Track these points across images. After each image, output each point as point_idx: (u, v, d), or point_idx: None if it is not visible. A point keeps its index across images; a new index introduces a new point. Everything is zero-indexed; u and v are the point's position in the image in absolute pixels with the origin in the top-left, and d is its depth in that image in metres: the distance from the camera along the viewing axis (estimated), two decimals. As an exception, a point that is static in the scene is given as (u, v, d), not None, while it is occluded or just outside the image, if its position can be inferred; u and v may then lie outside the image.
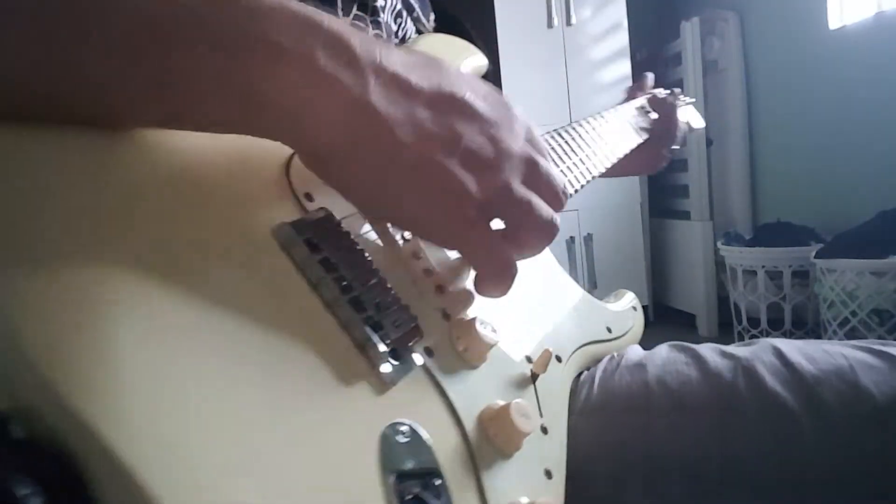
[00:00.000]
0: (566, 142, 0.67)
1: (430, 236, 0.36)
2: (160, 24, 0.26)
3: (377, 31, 0.55)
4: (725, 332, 2.49)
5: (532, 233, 0.37)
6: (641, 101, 0.92)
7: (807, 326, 2.18)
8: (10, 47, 0.25)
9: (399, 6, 0.61)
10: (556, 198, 0.38)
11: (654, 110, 0.91)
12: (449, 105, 0.34)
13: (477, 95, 0.35)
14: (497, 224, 0.37)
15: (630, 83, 2.44)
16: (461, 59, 0.60)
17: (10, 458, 0.21)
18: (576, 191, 0.63)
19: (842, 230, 1.97)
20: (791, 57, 2.35)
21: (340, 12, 0.51)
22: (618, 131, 0.80)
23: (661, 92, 0.95)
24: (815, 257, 1.94)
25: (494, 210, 0.35)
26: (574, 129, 0.70)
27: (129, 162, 0.29)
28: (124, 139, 0.30)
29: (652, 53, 2.92)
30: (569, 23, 2.52)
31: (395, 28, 0.60)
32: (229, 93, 0.28)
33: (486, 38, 0.70)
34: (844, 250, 1.86)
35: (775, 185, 2.55)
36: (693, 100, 1.05)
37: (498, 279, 0.37)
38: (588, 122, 0.74)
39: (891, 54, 1.91)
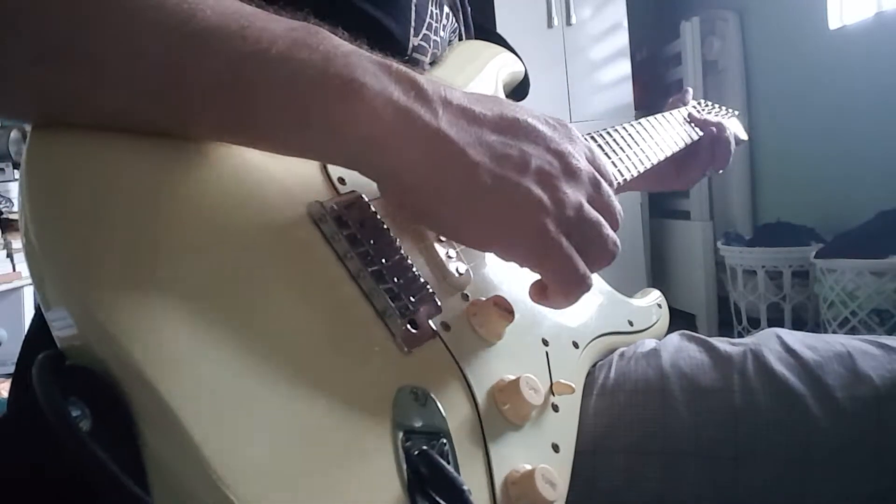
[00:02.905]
0: (606, 143, 0.65)
1: (511, 252, 0.37)
2: (244, 66, 0.30)
3: (435, 51, 0.58)
4: (725, 332, 2.49)
5: (601, 251, 0.38)
6: (685, 113, 0.86)
7: (807, 326, 2.18)
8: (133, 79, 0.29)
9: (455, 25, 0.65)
10: (615, 218, 0.40)
11: (698, 129, 0.85)
12: (514, 128, 0.37)
13: (538, 119, 0.39)
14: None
15: (630, 83, 2.50)
16: (499, 63, 0.63)
17: (64, 382, 0.24)
18: None
19: (842, 230, 1.97)
20: (791, 57, 2.35)
21: (412, 29, 0.54)
22: (655, 140, 0.75)
23: (703, 111, 0.88)
24: (815, 257, 1.95)
25: (569, 226, 0.37)
26: (617, 130, 0.68)
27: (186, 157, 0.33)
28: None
29: (652, 53, 2.92)
30: (569, 23, 2.52)
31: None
32: (307, 123, 0.32)
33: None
34: (844, 250, 1.87)
35: (775, 185, 2.56)
36: (737, 112, 0.96)
37: (574, 291, 0.38)
38: (633, 126, 0.72)
39: (891, 54, 1.91)
